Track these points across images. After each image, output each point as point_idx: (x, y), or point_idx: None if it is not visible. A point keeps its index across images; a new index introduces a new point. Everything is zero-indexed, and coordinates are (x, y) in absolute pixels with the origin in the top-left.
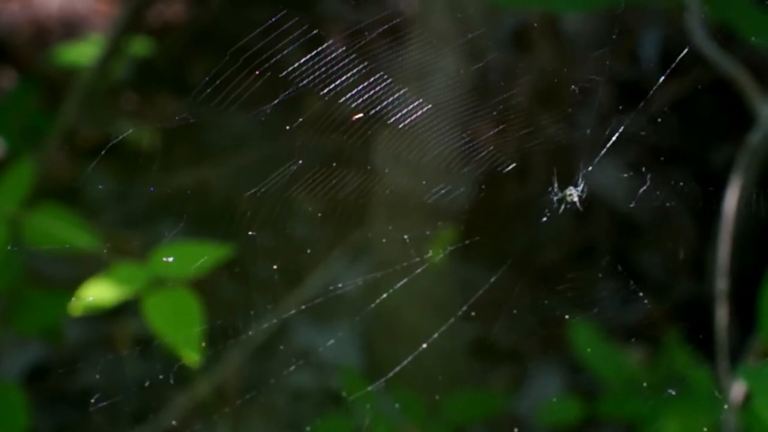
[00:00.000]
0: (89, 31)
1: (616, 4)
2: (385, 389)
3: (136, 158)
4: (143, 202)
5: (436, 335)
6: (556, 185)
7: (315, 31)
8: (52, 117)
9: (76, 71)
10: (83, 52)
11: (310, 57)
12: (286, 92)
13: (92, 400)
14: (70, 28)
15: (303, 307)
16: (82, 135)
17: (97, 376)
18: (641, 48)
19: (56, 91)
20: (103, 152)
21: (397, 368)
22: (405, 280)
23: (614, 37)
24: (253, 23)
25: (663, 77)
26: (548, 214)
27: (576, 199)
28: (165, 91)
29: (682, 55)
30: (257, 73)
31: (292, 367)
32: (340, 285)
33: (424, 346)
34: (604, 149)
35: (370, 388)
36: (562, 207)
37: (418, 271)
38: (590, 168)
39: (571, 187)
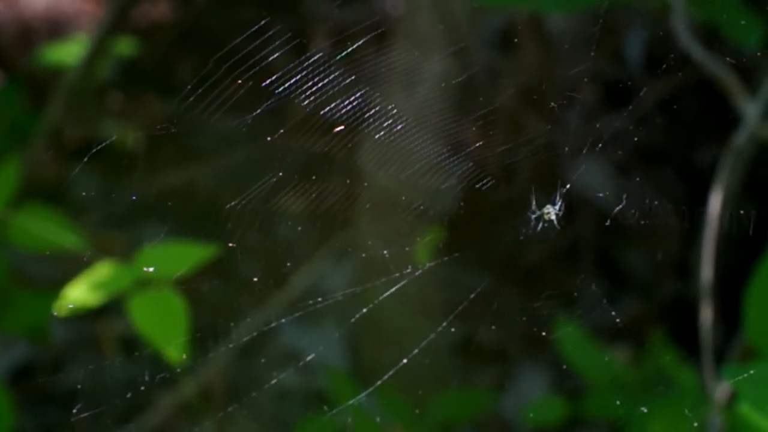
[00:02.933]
0: (75, 30)
1: (600, 4)
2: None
3: (121, 158)
4: (128, 203)
5: (425, 342)
6: (534, 203)
7: (300, 36)
8: (37, 117)
9: (62, 71)
10: (69, 52)
11: (296, 62)
12: (269, 101)
13: (74, 411)
14: (56, 27)
15: (293, 315)
16: (68, 135)
17: (82, 379)
18: (626, 48)
19: (42, 91)
20: (86, 158)
21: (386, 376)
22: (394, 287)
23: (599, 37)
24: (238, 23)
25: (649, 78)
26: (525, 233)
27: (553, 217)
28: (150, 90)
29: (668, 56)
30: (240, 82)
31: (281, 376)
32: (319, 298)
33: (415, 351)
34: (589, 150)
35: (360, 397)
36: (540, 225)
37: (406, 272)
38: (568, 186)
39: (549, 206)
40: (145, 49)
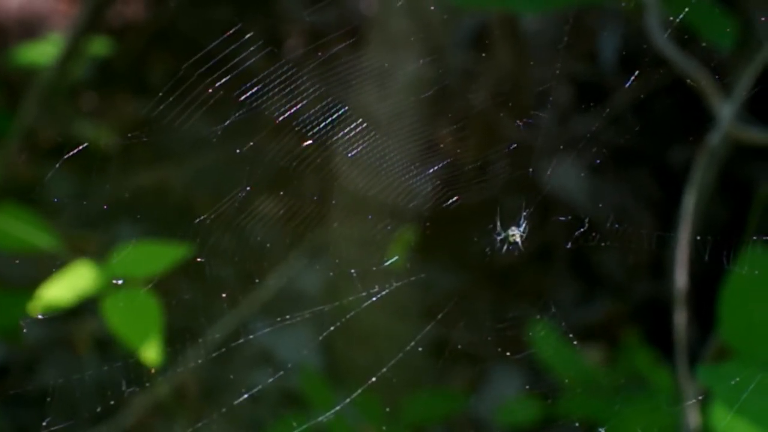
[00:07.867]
0: (48, 30)
1: (574, 5)
2: (344, 390)
3: (95, 159)
4: (102, 203)
5: (407, 349)
6: (499, 225)
7: (275, 37)
8: (11, 117)
9: (36, 71)
10: (42, 52)
11: (272, 68)
12: (243, 107)
13: (48, 409)
14: (29, 27)
15: (269, 323)
16: (42, 135)
17: (56, 379)
18: (600, 49)
19: (16, 91)
20: (61, 161)
21: (365, 386)
22: (370, 291)
23: (573, 38)
24: (212, 23)
25: (623, 78)
26: (490, 253)
27: (518, 239)
28: (124, 90)
29: (643, 57)
30: (211, 90)
31: (266, 383)
32: (305, 313)
33: (400, 355)
34: (563, 150)
35: (338, 408)
36: (505, 247)
37: (381, 273)
38: (531, 208)
39: (514, 227)
40: (119, 49)
